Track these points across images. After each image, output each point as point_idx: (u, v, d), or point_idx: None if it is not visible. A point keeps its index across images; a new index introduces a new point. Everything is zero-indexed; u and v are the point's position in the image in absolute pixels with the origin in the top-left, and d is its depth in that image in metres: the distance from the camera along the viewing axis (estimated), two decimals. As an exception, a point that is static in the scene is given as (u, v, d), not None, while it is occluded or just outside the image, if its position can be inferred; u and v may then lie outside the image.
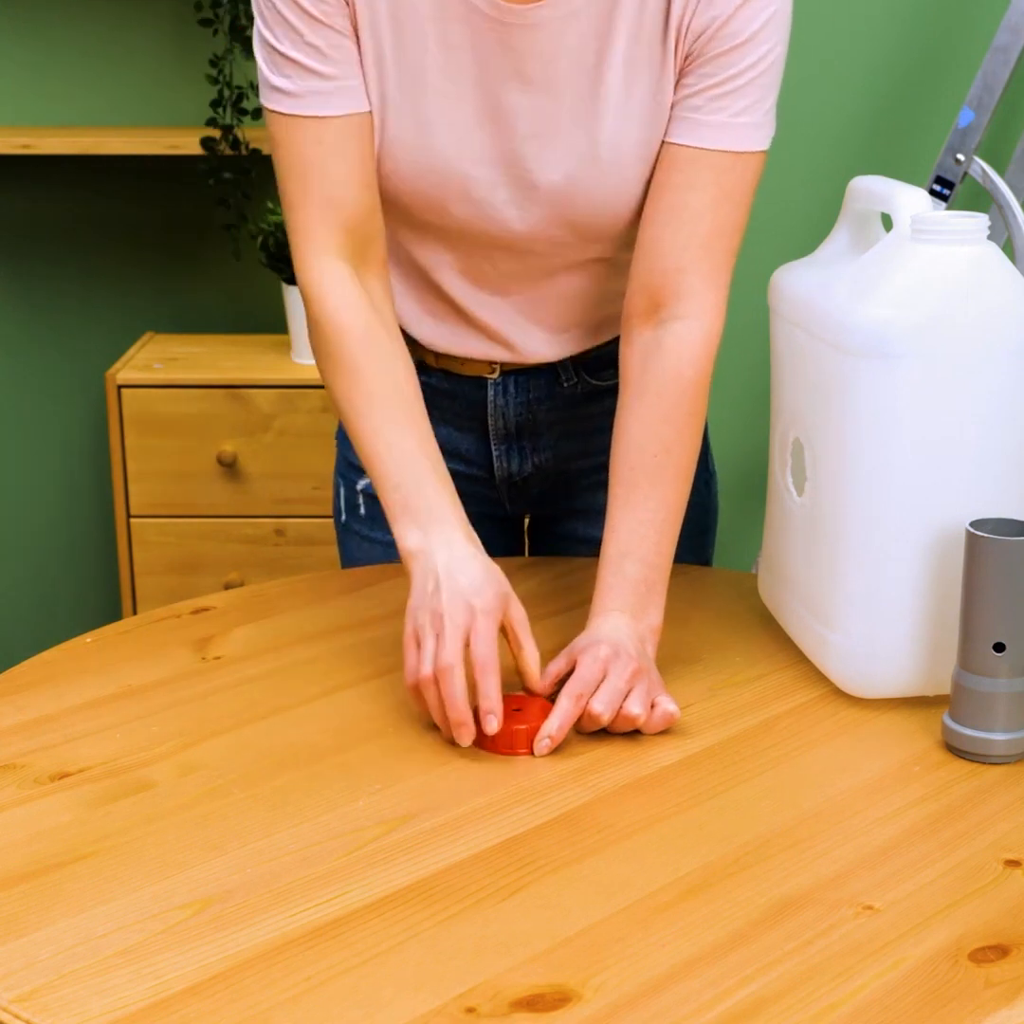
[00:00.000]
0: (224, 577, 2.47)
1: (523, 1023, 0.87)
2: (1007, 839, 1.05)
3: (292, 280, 2.49)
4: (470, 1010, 0.87)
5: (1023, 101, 2.49)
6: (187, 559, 2.48)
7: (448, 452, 1.45)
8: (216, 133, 2.45)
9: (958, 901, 0.98)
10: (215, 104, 2.46)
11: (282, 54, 1.26)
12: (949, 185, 2.24)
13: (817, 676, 1.29)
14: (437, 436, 1.48)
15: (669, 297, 1.31)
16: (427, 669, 1.16)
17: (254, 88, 2.48)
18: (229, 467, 2.44)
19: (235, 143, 2.44)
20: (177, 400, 2.43)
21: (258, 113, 2.48)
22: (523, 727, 1.16)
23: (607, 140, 1.29)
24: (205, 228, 2.67)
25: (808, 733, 1.21)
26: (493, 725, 1.15)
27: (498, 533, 1.57)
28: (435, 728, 1.19)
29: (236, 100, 2.47)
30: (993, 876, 1.01)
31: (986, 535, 1.13)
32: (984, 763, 1.15)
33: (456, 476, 1.33)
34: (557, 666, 1.24)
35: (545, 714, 1.17)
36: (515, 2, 1.24)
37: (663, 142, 1.30)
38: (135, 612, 2.50)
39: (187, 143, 2.46)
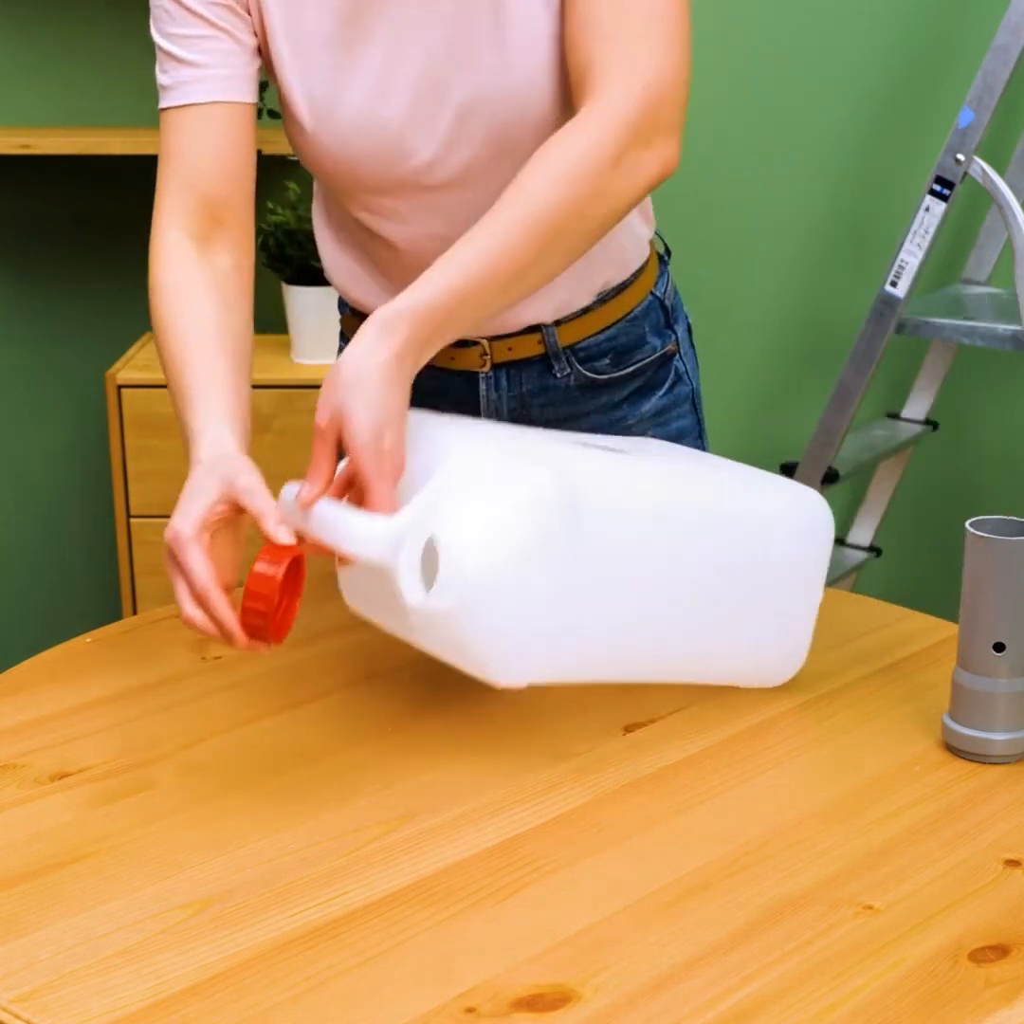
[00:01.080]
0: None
1: (523, 1023, 0.87)
2: (1007, 839, 1.05)
3: (292, 280, 2.49)
4: (470, 1010, 0.87)
5: (1023, 101, 2.49)
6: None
7: None
8: (216, 133, 2.45)
9: (958, 901, 0.98)
10: (215, 104, 2.46)
11: (160, 49, 1.33)
12: (949, 185, 2.24)
13: (816, 676, 1.29)
14: None
15: (578, 94, 1.23)
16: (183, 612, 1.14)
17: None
18: (229, 467, 2.44)
19: (235, 143, 2.44)
20: (177, 400, 2.43)
21: (257, 113, 2.47)
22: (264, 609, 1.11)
23: (514, 47, 1.27)
24: (205, 228, 2.67)
25: (808, 733, 1.21)
26: (240, 640, 1.11)
27: None
28: (434, 724, 1.19)
29: (236, 100, 2.46)
30: (993, 876, 1.01)
31: (986, 535, 1.13)
32: (984, 763, 1.15)
33: None
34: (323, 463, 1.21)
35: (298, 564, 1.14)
36: None
37: None
38: (135, 612, 2.50)
39: (187, 143, 2.45)
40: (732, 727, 1.21)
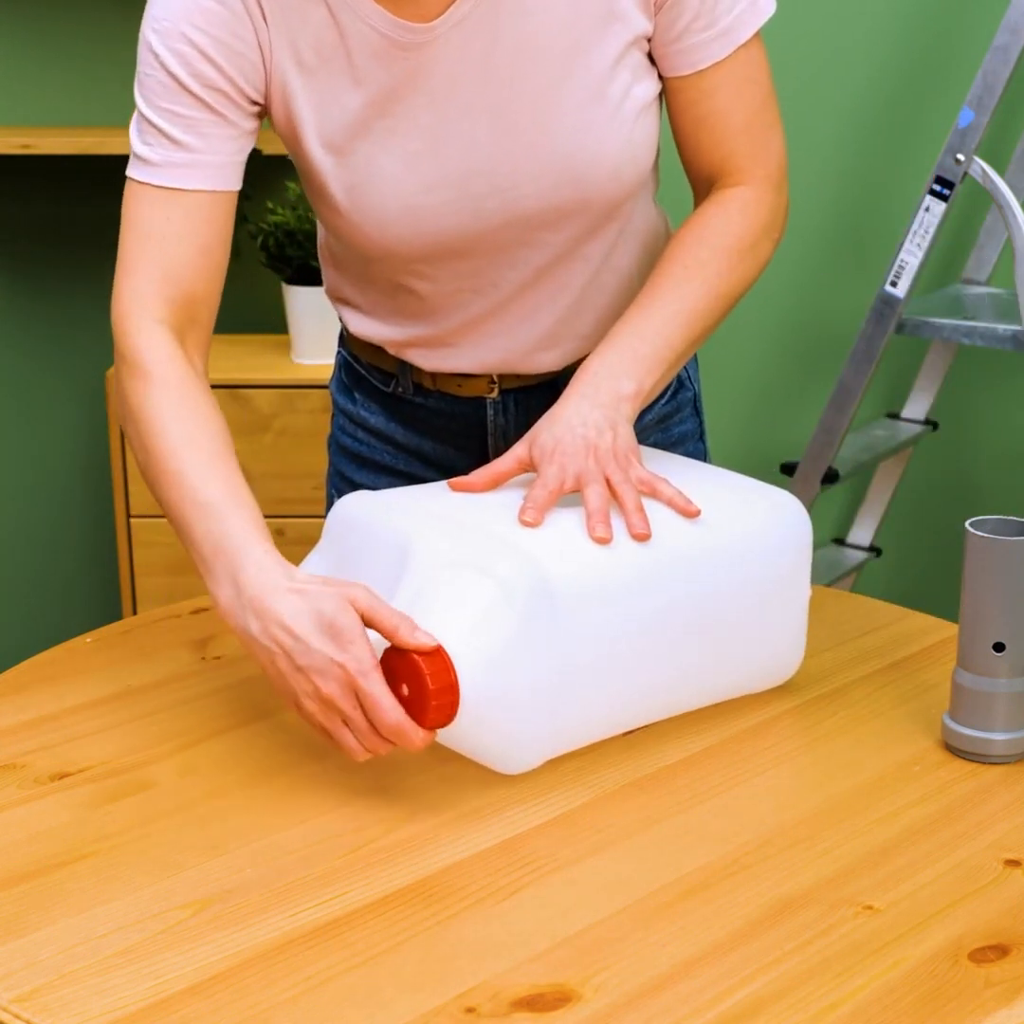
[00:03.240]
0: (224, 577, 2.46)
1: (523, 1023, 0.87)
2: (1007, 839, 1.05)
3: (292, 280, 2.49)
4: (470, 1010, 0.88)
5: (1023, 101, 2.49)
6: (187, 559, 2.47)
7: (447, 469, 1.44)
8: (216, 133, 2.45)
9: (958, 901, 0.98)
10: (215, 104, 2.46)
11: (147, 119, 1.24)
12: (949, 185, 2.24)
13: (816, 676, 1.29)
14: (435, 453, 1.45)
15: (718, 178, 1.35)
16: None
17: (254, 88, 2.48)
18: (229, 467, 2.44)
19: (235, 143, 2.44)
20: (177, 400, 2.42)
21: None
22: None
23: (569, 133, 1.28)
24: (205, 228, 2.67)
25: (808, 733, 1.21)
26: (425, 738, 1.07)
27: None
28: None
29: (236, 100, 2.46)
30: (993, 876, 1.01)
31: (986, 535, 1.13)
32: (984, 763, 1.15)
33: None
34: (501, 466, 1.22)
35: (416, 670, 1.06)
36: (415, 20, 1.23)
37: (665, 79, 1.31)
38: (135, 612, 2.50)
39: (187, 143, 2.45)
40: (732, 727, 1.21)
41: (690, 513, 1.18)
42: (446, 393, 1.46)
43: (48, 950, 0.93)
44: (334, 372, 1.58)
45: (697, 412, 1.55)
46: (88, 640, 1.38)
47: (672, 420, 1.51)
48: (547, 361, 1.42)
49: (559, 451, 1.20)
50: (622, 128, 1.28)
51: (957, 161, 2.23)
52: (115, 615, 2.79)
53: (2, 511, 2.87)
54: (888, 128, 2.59)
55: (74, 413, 2.82)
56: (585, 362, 1.28)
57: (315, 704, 1.06)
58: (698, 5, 1.26)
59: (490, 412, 1.46)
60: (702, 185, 1.37)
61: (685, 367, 1.51)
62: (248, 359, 2.55)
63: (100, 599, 2.90)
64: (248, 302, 2.72)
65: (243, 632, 1.10)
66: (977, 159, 2.22)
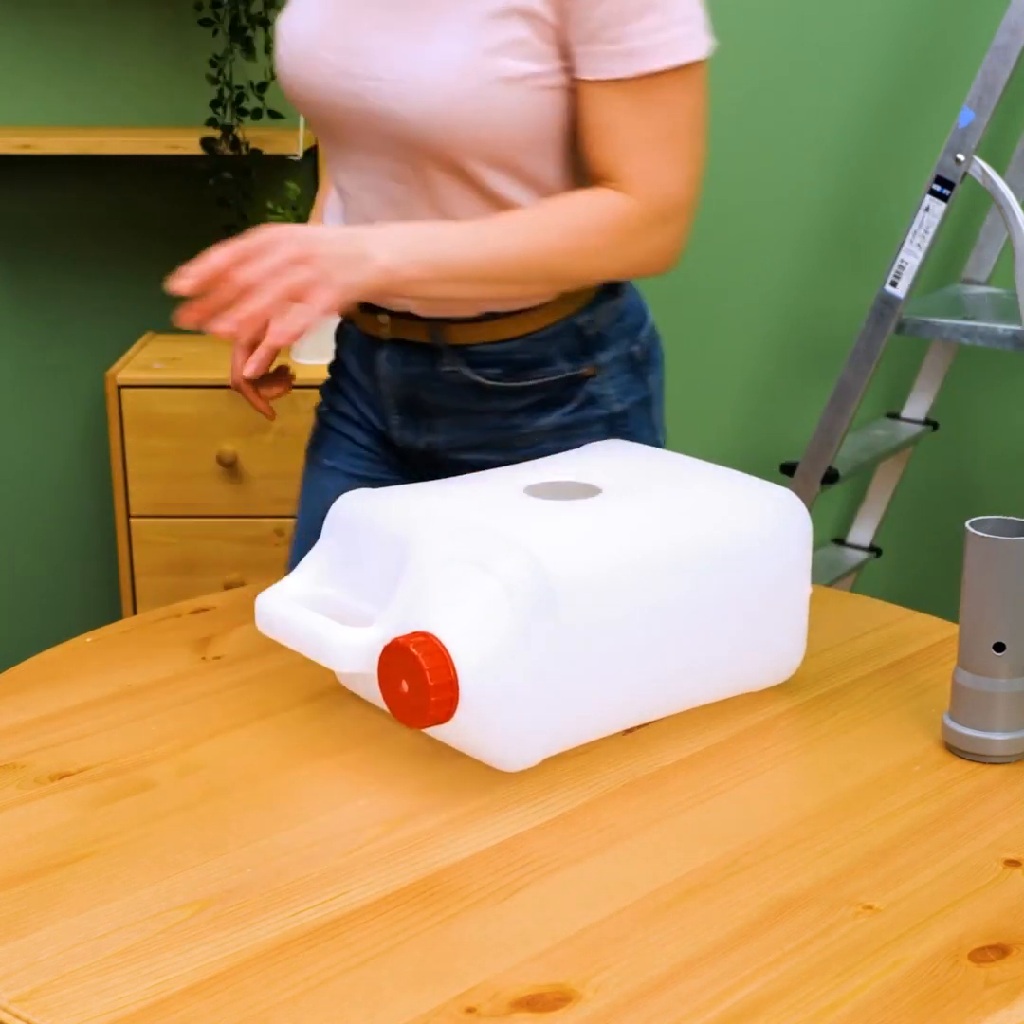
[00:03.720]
0: (224, 577, 2.47)
1: (523, 1023, 0.87)
2: (1007, 839, 1.05)
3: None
4: (470, 1010, 0.88)
5: (1023, 101, 2.49)
6: (187, 559, 2.48)
7: (356, 416, 1.58)
8: (216, 133, 2.45)
9: (958, 901, 0.98)
10: (215, 104, 2.46)
11: None
12: (949, 185, 2.24)
13: (816, 676, 1.29)
14: (352, 392, 1.58)
15: (605, 183, 1.37)
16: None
17: (254, 88, 2.49)
18: (229, 467, 2.44)
19: (235, 143, 2.44)
20: (177, 400, 2.43)
21: (258, 113, 2.48)
22: None
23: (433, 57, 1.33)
24: (205, 228, 2.67)
25: (808, 733, 1.21)
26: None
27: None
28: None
29: (236, 100, 2.46)
30: (993, 876, 1.01)
31: (986, 535, 1.13)
32: (984, 763, 1.15)
33: (363, 429, 1.55)
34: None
35: None
36: None
37: (577, 81, 1.34)
38: (135, 612, 2.50)
39: (187, 143, 2.45)
40: (732, 727, 1.21)
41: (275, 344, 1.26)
42: (350, 321, 1.55)
43: (48, 950, 0.93)
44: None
45: (651, 423, 1.55)
46: (88, 640, 1.38)
47: (574, 432, 1.49)
48: (413, 305, 1.47)
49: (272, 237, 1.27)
50: (466, 81, 1.32)
51: (957, 161, 2.23)
52: (115, 615, 2.79)
53: (2, 511, 2.87)
54: (888, 128, 2.59)
55: (74, 413, 2.81)
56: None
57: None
58: (604, 16, 1.29)
59: (382, 358, 1.52)
60: (593, 182, 1.39)
61: (604, 386, 1.51)
62: (248, 359, 2.54)
63: (100, 599, 2.90)
64: (248, 302, 2.72)
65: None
66: (977, 159, 2.22)
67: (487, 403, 1.49)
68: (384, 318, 1.49)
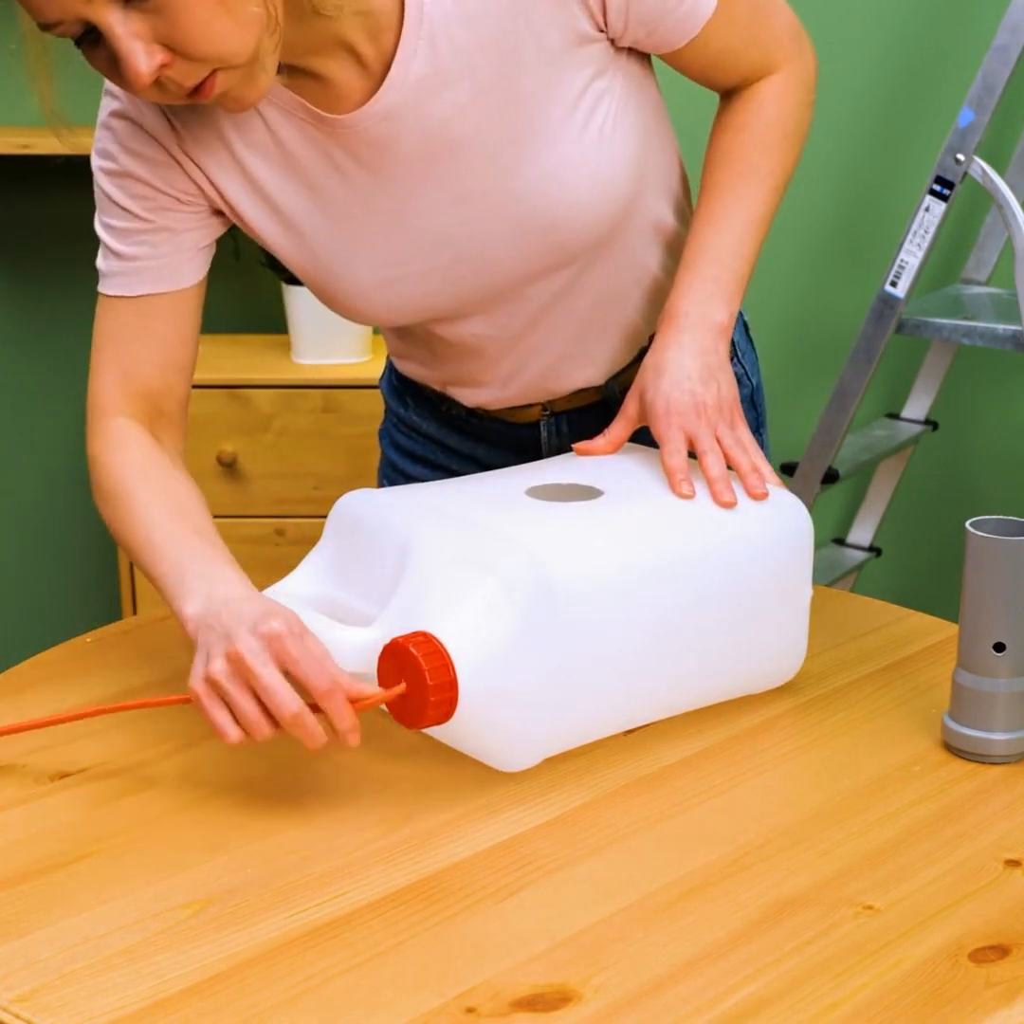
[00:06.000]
0: (224, 577, 2.46)
1: (523, 1023, 0.87)
2: (1007, 839, 1.05)
3: (292, 280, 2.49)
4: (470, 1010, 0.88)
5: (1023, 101, 2.49)
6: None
7: (444, 475, 1.47)
8: (216, 133, 2.45)
9: (958, 901, 0.98)
10: (215, 104, 2.46)
11: (98, 231, 1.30)
12: (949, 185, 2.24)
13: (816, 676, 1.29)
14: (489, 458, 1.47)
15: (744, 87, 1.36)
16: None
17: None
18: (229, 467, 2.44)
19: (235, 143, 2.44)
20: (177, 400, 2.43)
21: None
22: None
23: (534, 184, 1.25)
24: (205, 228, 2.68)
25: (808, 733, 1.21)
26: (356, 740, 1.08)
27: None
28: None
29: (236, 100, 2.46)
30: (993, 876, 1.01)
31: (986, 535, 1.13)
32: (984, 763, 1.15)
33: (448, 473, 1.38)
34: (618, 430, 1.28)
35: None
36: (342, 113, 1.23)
37: (669, 55, 1.30)
38: (135, 612, 2.50)
39: (187, 143, 2.45)
40: (732, 727, 1.21)
41: (757, 495, 1.23)
42: (499, 419, 1.47)
43: (48, 950, 0.93)
44: (384, 373, 1.58)
45: (754, 406, 1.53)
46: (88, 640, 1.38)
47: None
48: (585, 377, 1.42)
49: (674, 411, 1.24)
50: (585, 166, 1.25)
51: (957, 161, 2.23)
52: (115, 615, 2.79)
53: (2, 511, 2.87)
54: (888, 128, 2.59)
55: (74, 413, 2.81)
56: (670, 300, 1.30)
57: (221, 666, 1.05)
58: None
59: (544, 433, 1.46)
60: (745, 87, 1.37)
61: (739, 364, 1.50)
62: (248, 359, 2.54)
63: (100, 599, 2.90)
64: (248, 302, 2.72)
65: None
66: (977, 159, 2.22)
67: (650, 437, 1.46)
68: (542, 404, 1.44)
